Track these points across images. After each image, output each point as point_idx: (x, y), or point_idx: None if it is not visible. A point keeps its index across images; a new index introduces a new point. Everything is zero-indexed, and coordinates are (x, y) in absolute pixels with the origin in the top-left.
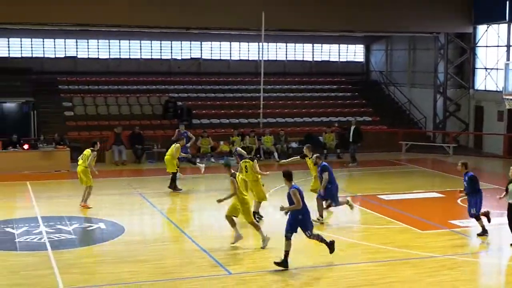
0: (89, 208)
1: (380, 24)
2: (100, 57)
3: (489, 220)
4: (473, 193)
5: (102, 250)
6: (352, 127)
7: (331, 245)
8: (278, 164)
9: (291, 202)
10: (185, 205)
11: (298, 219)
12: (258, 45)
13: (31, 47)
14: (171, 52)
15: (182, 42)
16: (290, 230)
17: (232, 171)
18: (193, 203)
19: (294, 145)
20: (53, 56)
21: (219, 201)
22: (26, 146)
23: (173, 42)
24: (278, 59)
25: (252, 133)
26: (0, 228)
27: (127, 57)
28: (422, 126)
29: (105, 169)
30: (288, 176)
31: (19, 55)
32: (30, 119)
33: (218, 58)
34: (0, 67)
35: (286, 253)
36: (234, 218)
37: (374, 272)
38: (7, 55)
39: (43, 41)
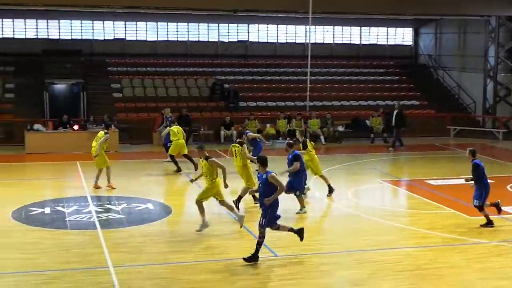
0: (114, 188)
1: (430, 7)
2: (148, 39)
3: (499, 211)
4: (477, 183)
5: (149, 230)
6: (395, 112)
7: (299, 232)
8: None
9: (267, 189)
10: (231, 186)
11: (270, 210)
12: (305, 28)
13: (81, 29)
14: (218, 35)
15: (229, 24)
16: (275, 219)
17: (206, 154)
18: (239, 184)
19: (340, 128)
20: (102, 38)
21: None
22: (76, 127)
23: (220, 25)
24: (325, 42)
25: (298, 116)
26: (51, 207)
27: (175, 39)
28: (471, 111)
29: (152, 150)
30: (262, 162)
31: (70, 37)
32: (79, 100)
33: (265, 41)
34: (51, 49)
35: (290, 230)
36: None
37: (422, 257)
38: (58, 37)
39: (93, 23)
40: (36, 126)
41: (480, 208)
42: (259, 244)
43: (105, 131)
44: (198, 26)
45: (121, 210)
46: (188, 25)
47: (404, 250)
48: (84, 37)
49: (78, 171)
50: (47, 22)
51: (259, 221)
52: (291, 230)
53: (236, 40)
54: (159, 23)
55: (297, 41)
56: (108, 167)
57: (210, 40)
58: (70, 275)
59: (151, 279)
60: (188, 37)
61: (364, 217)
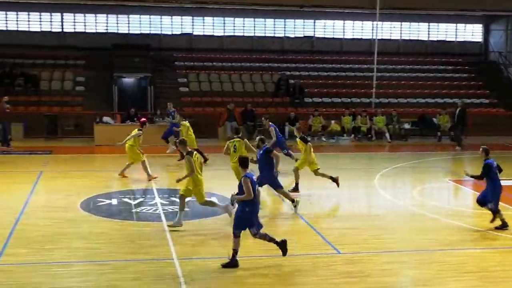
0: (155, 178)
1: (501, 3)
2: (215, 34)
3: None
4: (489, 183)
5: (214, 224)
6: (458, 110)
7: (282, 245)
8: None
9: (242, 191)
10: (294, 182)
11: (245, 212)
12: (372, 24)
13: (150, 24)
14: (284, 30)
15: (296, 20)
16: (239, 226)
17: (189, 149)
18: (303, 180)
19: (406, 126)
20: (170, 33)
21: (178, 180)
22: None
23: (286, 20)
24: (392, 38)
25: (364, 113)
26: (118, 199)
27: (241, 34)
28: None
29: (217, 145)
30: (243, 163)
31: (139, 32)
32: (147, 94)
33: (331, 36)
34: (121, 43)
35: (235, 252)
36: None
37: (489, 259)
38: (127, 32)
39: (161, 18)
40: (105, 119)
41: (497, 211)
42: (271, 240)
43: (139, 128)
44: (265, 21)
45: (186, 203)
46: (254, 21)
47: (470, 251)
48: (152, 32)
49: (144, 164)
50: (117, 17)
51: (250, 232)
52: (271, 240)
53: (302, 35)
54: (226, 18)
55: (363, 37)
56: (143, 162)
57: (276, 35)
58: (135, 265)
59: (215, 272)
60: (254, 33)
61: (429, 217)
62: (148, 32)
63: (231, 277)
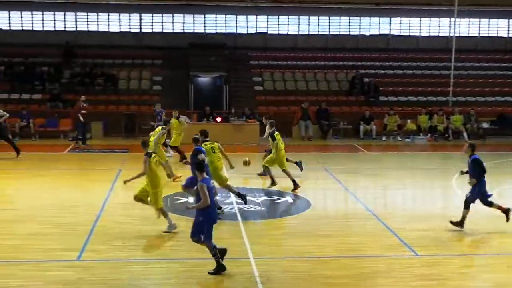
0: (179, 177)
1: None
2: (289, 33)
3: (508, 219)
4: (477, 178)
5: (289, 223)
6: None
7: (218, 266)
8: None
9: (199, 197)
10: (369, 182)
11: (199, 221)
12: (450, 21)
13: (225, 23)
14: (360, 28)
15: (371, 18)
16: (195, 234)
17: (148, 151)
18: (378, 181)
19: (485, 125)
20: (245, 32)
21: (125, 182)
22: (218, 119)
23: (362, 18)
24: (470, 35)
25: (440, 112)
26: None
27: (316, 33)
28: None
29: (291, 144)
30: (200, 168)
31: (214, 31)
32: (222, 93)
33: (407, 34)
34: (197, 43)
35: (214, 257)
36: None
37: None
38: (203, 31)
39: (236, 18)
40: (182, 118)
41: (490, 204)
42: (214, 255)
43: (163, 126)
44: (339, 19)
45: (261, 203)
46: (329, 19)
47: None
48: (228, 31)
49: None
50: (194, 17)
51: (198, 237)
52: (215, 255)
53: (377, 33)
54: (300, 17)
55: (440, 34)
56: (166, 161)
57: (351, 33)
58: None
59: (290, 272)
60: (329, 31)
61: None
62: (223, 31)
63: (305, 277)
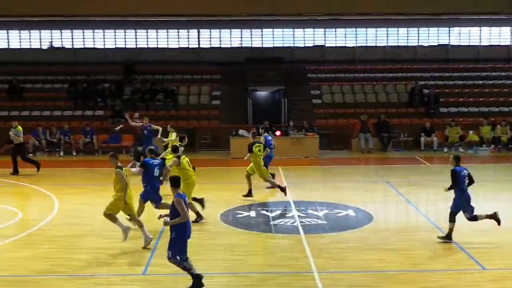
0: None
1: None
2: (347, 45)
3: (499, 223)
4: (457, 191)
5: (351, 237)
6: None
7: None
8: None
9: (173, 213)
10: (431, 194)
11: (171, 237)
12: (511, 29)
13: (283, 37)
14: (418, 39)
15: (430, 28)
16: (168, 248)
17: (119, 164)
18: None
19: None
20: (302, 45)
21: (125, 203)
22: (278, 133)
23: (420, 29)
24: None
25: (503, 123)
26: (256, 211)
27: (374, 44)
28: None
29: (351, 157)
30: (174, 183)
31: (271, 45)
32: (280, 107)
33: (467, 44)
34: (254, 57)
35: (190, 275)
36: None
37: None
38: (260, 45)
39: (293, 31)
40: (241, 132)
41: (474, 218)
42: (188, 271)
43: (179, 143)
44: (397, 30)
45: (323, 216)
46: (387, 30)
47: None
48: (285, 45)
49: (280, 176)
50: (251, 31)
51: (167, 254)
52: (191, 273)
53: (436, 43)
54: (358, 29)
55: (501, 43)
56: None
57: (409, 44)
58: (275, 278)
59: (355, 286)
60: (387, 42)
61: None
62: (281, 45)
63: None
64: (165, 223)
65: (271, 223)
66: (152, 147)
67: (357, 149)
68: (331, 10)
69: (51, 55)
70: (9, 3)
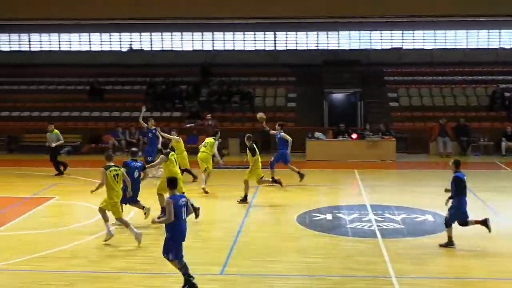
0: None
1: None
2: (425, 47)
3: (489, 229)
4: (457, 197)
5: (430, 242)
6: None
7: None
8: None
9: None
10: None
11: (166, 237)
12: None
13: (359, 39)
14: (499, 41)
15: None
16: (164, 251)
17: (107, 164)
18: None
19: None
20: (379, 47)
21: (92, 191)
22: (354, 136)
23: (501, 31)
24: None
25: None
26: (333, 214)
27: (453, 47)
28: None
29: (429, 161)
30: (170, 184)
31: (348, 48)
32: (356, 109)
33: None
34: (331, 60)
35: (183, 274)
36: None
37: None
38: (337, 48)
39: (370, 34)
40: (317, 134)
41: (448, 224)
42: (184, 274)
43: (213, 137)
44: (478, 32)
45: (401, 220)
46: (467, 32)
47: None
48: (361, 47)
49: (356, 179)
50: (327, 34)
51: (167, 257)
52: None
53: None
54: (436, 31)
55: None
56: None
57: (490, 47)
58: (352, 282)
59: None
60: (466, 44)
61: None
62: (357, 47)
63: None
64: (153, 221)
65: (348, 226)
66: (135, 149)
67: (435, 153)
68: (409, 12)
69: (131, 57)
70: (91, 7)
